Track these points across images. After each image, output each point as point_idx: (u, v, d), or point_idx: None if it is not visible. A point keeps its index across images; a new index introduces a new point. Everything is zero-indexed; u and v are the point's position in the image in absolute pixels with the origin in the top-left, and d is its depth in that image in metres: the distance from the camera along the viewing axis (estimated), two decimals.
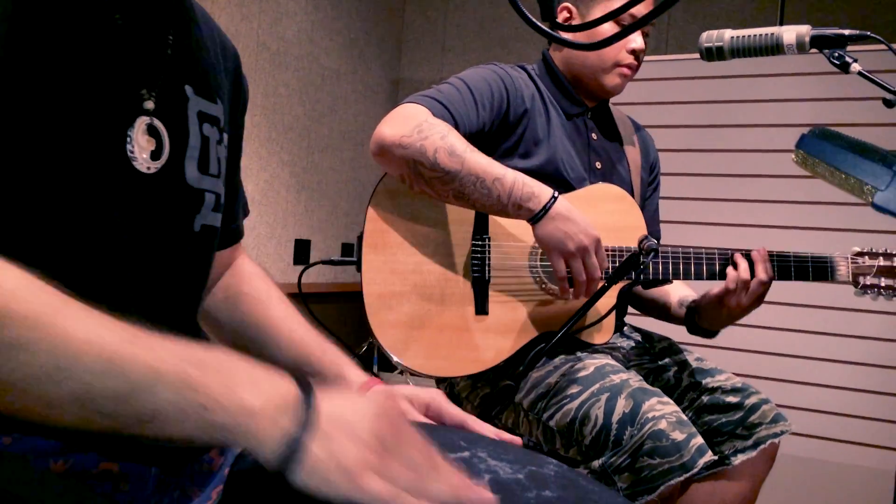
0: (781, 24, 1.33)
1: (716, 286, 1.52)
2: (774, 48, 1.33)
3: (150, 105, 0.72)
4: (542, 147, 1.57)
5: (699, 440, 1.29)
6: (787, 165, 2.55)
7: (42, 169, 0.64)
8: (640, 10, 1.57)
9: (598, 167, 1.65)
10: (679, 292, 1.69)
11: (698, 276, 1.53)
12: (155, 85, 0.73)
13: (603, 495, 0.71)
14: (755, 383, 1.62)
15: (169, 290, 0.76)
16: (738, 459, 1.53)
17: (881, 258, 1.51)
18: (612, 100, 1.74)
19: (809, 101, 2.54)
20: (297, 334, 0.98)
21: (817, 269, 1.52)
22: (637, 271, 1.40)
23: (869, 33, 1.24)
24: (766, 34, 1.31)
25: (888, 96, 1.19)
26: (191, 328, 0.82)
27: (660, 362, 1.65)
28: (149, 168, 0.71)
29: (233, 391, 0.57)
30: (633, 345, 1.70)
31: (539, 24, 0.73)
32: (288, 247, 3.65)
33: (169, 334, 0.58)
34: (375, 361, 3.81)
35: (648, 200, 1.78)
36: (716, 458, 1.34)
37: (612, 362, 1.46)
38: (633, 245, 1.48)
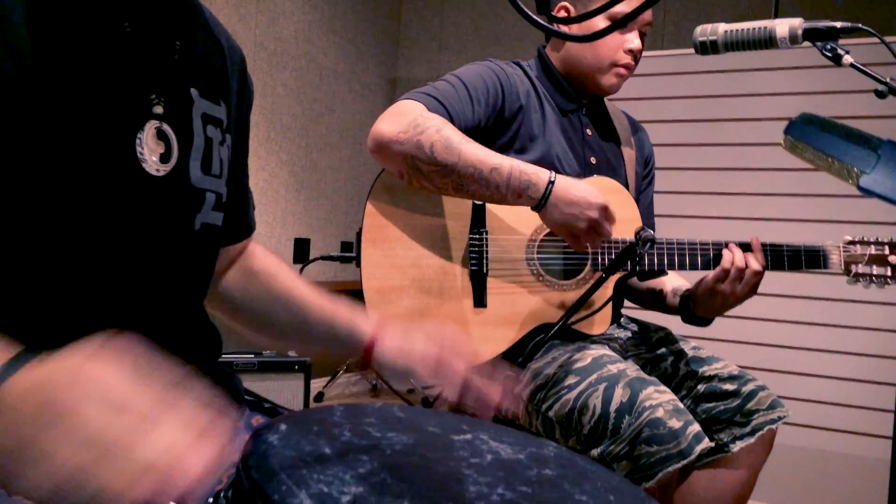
0: (776, 18, 1.35)
1: (710, 275, 1.54)
2: (767, 41, 1.35)
3: (159, 110, 0.74)
4: (537, 143, 1.60)
5: (696, 427, 1.32)
6: (780, 158, 2.60)
7: (54, 172, 0.66)
8: (634, 6, 1.59)
9: (593, 162, 1.67)
10: (673, 283, 1.71)
11: (693, 267, 1.56)
12: (163, 90, 0.75)
13: (601, 473, 0.73)
14: (751, 374, 1.65)
15: (172, 285, 0.78)
16: (737, 446, 1.55)
17: (872, 246, 1.54)
18: (609, 96, 1.76)
19: (803, 94, 2.57)
20: (310, 298, 1.01)
21: (810, 258, 1.54)
22: (634, 262, 1.42)
23: (860, 25, 1.26)
24: (760, 27, 1.33)
25: (880, 87, 1.21)
26: (194, 321, 0.84)
27: (657, 352, 1.67)
28: (158, 170, 0.74)
29: None
30: (630, 335, 1.72)
31: (536, 17, 0.75)
32: (287, 245, 3.67)
33: None
34: None
35: (643, 194, 1.80)
36: (713, 444, 1.36)
37: (610, 353, 1.48)
38: (630, 237, 1.51)
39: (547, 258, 1.57)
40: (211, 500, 0.62)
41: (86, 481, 0.49)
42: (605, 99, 1.77)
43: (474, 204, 1.54)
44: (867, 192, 0.67)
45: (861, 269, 1.54)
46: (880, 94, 1.21)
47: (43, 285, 0.68)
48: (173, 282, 0.78)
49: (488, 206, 1.55)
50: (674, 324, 1.76)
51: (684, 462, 1.29)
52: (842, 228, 1.61)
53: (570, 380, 1.42)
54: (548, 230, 1.53)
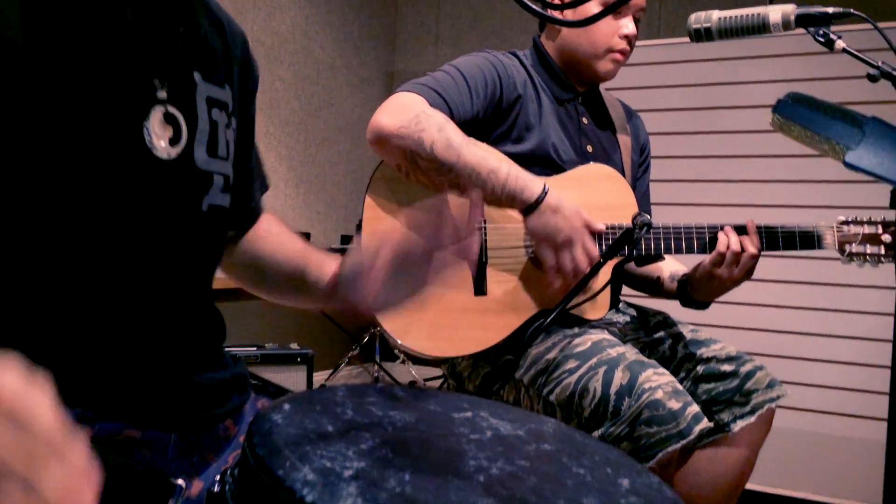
0: (770, 4, 1.36)
1: (707, 259, 1.56)
2: (761, 27, 1.36)
3: (163, 94, 0.76)
4: (533, 132, 1.61)
5: (695, 408, 1.33)
6: (775, 145, 2.61)
7: (63, 160, 0.67)
8: None
9: (590, 150, 1.68)
10: (670, 267, 1.73)
11: (689, 251, 1.57)
12: (166, 75, 0.76)
13: (598, 447, 0.75)
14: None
15: (180, 266, 0.79)
16: (738, 426, 1.57)
17: (865, 225, 1.55)
18: (606, 85, 1.77)
19: (798, 81, 2.57)
20: (293, 249, 1.02)
21: (804, 239, 1.55)
22: (631, 246, 1.44)
23: (852, 10, 1.27)
24: (753, 14, 1.35)
25: (872, 71, 1.23)
26: (201, 305, 0.85)
27: (655, 335, 1.69)
28: (169, 154, 0.75)
29: None
30: (629, 320, 1.74)
31: (530, 4, 0.76)
32: None
33: None
34: (377, 351, 3.85)
35: (639, 181, 1.81)
36: (711, 425, 1.37)
37: (609, 337, 1.50)
38: (626, 222, 1.52)
39: None
40: (218, 478, 0.64)
41: None
42: (601, 88, 1.78)
43: None
44: (852, 168, 0.68)
45: (855, 248, 1.55)
46: (872, 78, 1.23)
47: (54, 271, 0.70)
48: (181, 264, 0.80)
49: None
50: (671, 308, 1.77)
51: (684, 442, 1.31)
52: (836, 213, 1.62)
53: (571, 364, 1.43)
54: None
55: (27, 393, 0.45)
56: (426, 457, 0.65)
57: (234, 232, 1.01)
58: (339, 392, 0.77)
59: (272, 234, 1.05)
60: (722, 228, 1.54)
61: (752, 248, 1.51)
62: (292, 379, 2.80)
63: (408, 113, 1.44)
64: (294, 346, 2.97)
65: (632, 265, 1.80)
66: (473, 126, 1.54)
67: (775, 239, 1.55)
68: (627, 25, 1.63)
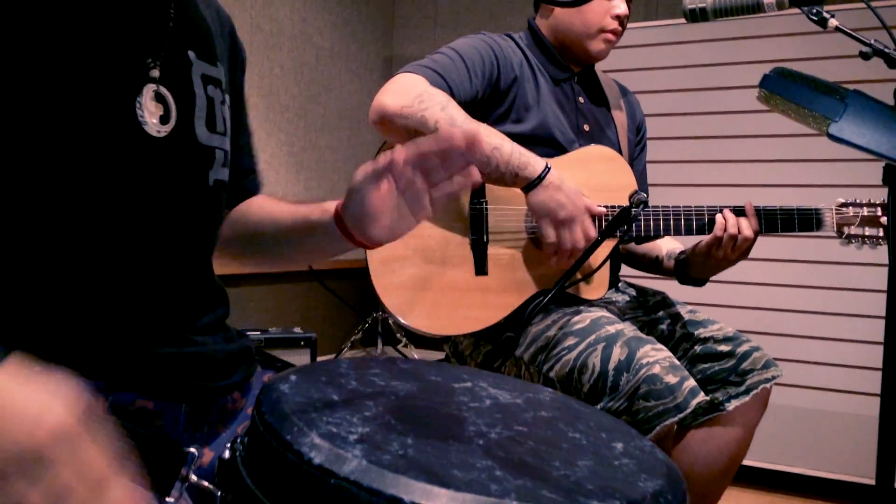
0: None
1: (704, 240, 1.58)
2: (755, 7, 1.38)
3: (155, 73, 0.78)
4: (532, 112, 1.63)
5: (692, 382, 1.36)
6: (772, 125, 2.62)
7: (58, 139, 0.70)
8: None
9: (587, 129, 1.70)
10: (668, 246, 1.75)
11: (688, 231, 1.59)
12: (159, 54, 0.79)
13: (594, 414, 0.77)
14: (745, 336, 1.69)
15: (187, 239, 0.82)
16: (732, 405, 1.60)
17: (865, 208, 1.57)
18: (603, 67, 1.79)
19: (793, 60, 2.58)
20: (290, 207, 1.01)
21: (803, 221, 1.57)
22: (629, 225, 1.46)
23: None
24: None
25: (864, 49, 1.24)
26: (205, 274, 0.88)
27: (654, 315, 1.71)
28: (159, 132, 0.77)
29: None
30: (628, 299, 1.76)
31: None
32: None
33: None
34: (380, 335, 3.88)
35: (636, 161, 1.83)
36: (708, 398, 1.40)
37: (608, 315, 1.52)
38: (626, 203, 1.54)
39: None
40: (228, 445, 0.67)
41: None
42: (597, 68, 1.80)
43: None
44: (835, 139, 0.71)
45: (853, 230, 1.57)
46: (865, 56, 1.24)
47: (61, 247, 0.72)
48: (188, 238, 0.82)
49: None
50: (670, 289, 1.80)
51: (681, 416, 1.33)
52: (833, 192, 1.64)
53: (570, 341, 1.46)
54: None
55: (80, 423, 0.52)
56: (428, 423, 0.68)
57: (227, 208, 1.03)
58: (343, 364, 0.79)
59: (267, 202, 1.05)
60: (720, 211, 1.56)
61: (748, 231, 1.54)
62: (296, 362, 2.82)
63: (410, 92, 1.46)
64: (297, 330, 3.00)
65: (631, 244, 1.83)
66: (473, 107, 1.56)
67: (774, 221, 1.57)
68: (619, 6, 1.65)
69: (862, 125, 0.69)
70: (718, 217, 1.55)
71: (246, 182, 1.06)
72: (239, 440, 0.67)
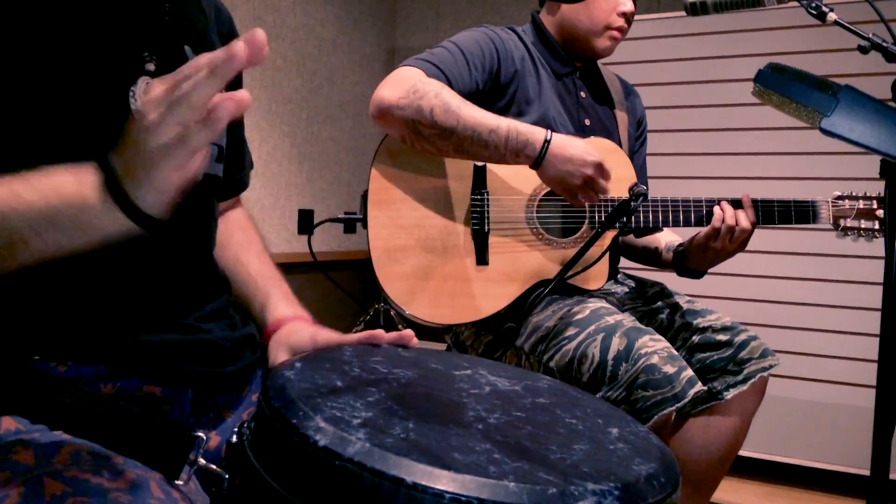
0: None
1: (702, 231, 1.59)
2: (755, 0, 1.39)
3: (151, 67, 0.79)
4: (533, 106, 1.64)
5: (689, 372, 1.38)
6: (772, 118, 2.63)
7: (54, 131, 0.71)
8: None
9: (588, 124, 1.72)
10: (666, 238, 1.77)
11: (686, 223, 1.61)
12: (155, 48, 0.80)
13: (591, 401, 0.79)
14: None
15: (183, 230, 0.83)
16: (731, 394, 1.62)
17: (861, 201, 1.59)
18: (605, 59, 1.80)
19: (794, 53, 2.59)
20: (251, 269, 1.03)
21: (799, 213, 1.59)
22: (628, 217, 1.48)
23: None
24: None
25: (863, 43, 1.26)
26: (205, 263, 0.90)
27: (652, 305, 1.73)
28: None
29: (52, 198, 0.63)
30: (627, 290, 1.78)
31: None
32: (292, 217, 3.72)
33: None
34: (381, 325, 3.90)
35: (636, 155, 1.85)
36: (706, 388, 1.42)
37: (607, 305, 1.54)
38: (626, 195, 1.56)
39: (546, 217, 1.62)
40: (236, 429, 0.69)
41: None
42: (599, 63, 1.81)
43: (475, 165, 1.60)
44: (827, 133, 0.72)
45: (850, 222, 1.59)
46: (863, 50, 1.25)
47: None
48: (184, 229, 0.84)
49: (489, 167, 1.60)
50: (669, 280, 1.82)
51: (678, 405, 1.35)
52: (833, 185, 1.66)
53: (570, 331, 1.48)
54: (547, 190, 1.58)
55: None
56: (428, 408, 0.70)
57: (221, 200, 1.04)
58: (347, 352, 0.81)
59: (234, 243, 1.05)
60: (718, 203, 1.58)
61: (745, 223, 1.55)
62: None
63: (406, 84, 1.48)
64: None
65: (631, 237, 1.85)
66: (474, 99, 1.57)
67: (771, 213, 1.59)
68: (626, 3, 1.66)
69: (853, 120, 0.71)
70: (717, 209, 1.57)
71: (241, 176, 1.08)
72: (246, 425, 0.69)
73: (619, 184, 1.60)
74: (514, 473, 0.58)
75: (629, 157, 1.76)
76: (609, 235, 1.58)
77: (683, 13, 1.44)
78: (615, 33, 1.68)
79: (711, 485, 1.69)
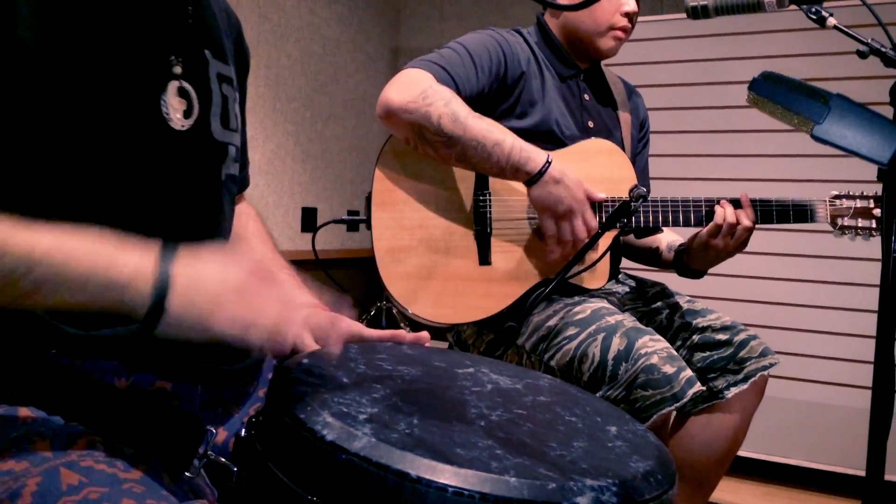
0: None
1: (703, 230, 1.61)
2: (755, 5, 1.41)
3: (178, 70, 0.82)
4: (537, 108, 1.66)
5: (688, 372, 1.40)
6: (772, 121, 2.63)
7: (88, 133, 0.73)
8: None
9: (591, 126, 1.74)
10: (667, 238, 1.79)
11: (686, 223, 1.63)
12: (181, 51, 0.82)
13: (590, 399, 0.81)
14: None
15: (201, 230, 0.86)
16: (731, 392, 1.64)
17: (858, 200, 1.60)
18: (608, 61, 1.82)
19: (795, 56, 2.61)
20: (264, 258, 1.06)
21: (797, 212, 1.61)
22: (628, 218, 1.50)
23: None
24: None
25: (862, 48, 1.27)
26: None
27: (653, 305, 1.75)
28: (182, 126, 0.81)
29: (104, 267, 0.66)
30: (628, 290, 1.80)
31: None
32: (295, 215, 3.74)
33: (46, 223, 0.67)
34: (384, 324, 3.92)
35: (638, 157, 1.87)
36: (704, 389, 1.44)
37: (608, 305, 1.56)
38: (625, 196, 1.58)
39: None
40: (245, 423, 0.71)
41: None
42: (603, 65, 1.83)
43: None
44: (819, 140, 0.75)
45: (847, 221, 1.60)
46: (862, 55, 1.27)
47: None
48: (203, 228, 0.86)
49: None
50: (669, 280, 1.83)
51: (677, 405, 1.37)
52: (833, 187, 1.67)
53: (571, 331, 1.50)
54: None
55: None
56: (432, 405, 0.72)
57: None
58: (352, 350, 0.83)
59: (246, 232, 1.08)
60: (718, 202, 1.60)
61: (746, 221, 1.57)
62: None
63: (415, 88, 1.50)
64: None
65: (631, 237, 1.87)
66: (479, 102, 1.59)
67: (769, 213, 1.60)
68: (629, 3, 1.68)
69: (843, 127, 0.74)
70: (718, 207, 1.59)
71: (245, 174, 1.10)
72: (254, 419, 0.71)
73: (619, 184, 1.62)
74: (515, 469, 0.59)
75: (631, 158, 1.78)
76: (609, 236, 1.60)
77: (685, 15, 1.46)
78: (619, 33, 1.69)
79: (712, 483, 1.71)
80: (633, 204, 1.47)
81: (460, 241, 1.61)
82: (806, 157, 2.58)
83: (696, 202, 1.62)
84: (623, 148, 1.76)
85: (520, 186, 1.62)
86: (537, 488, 0.58)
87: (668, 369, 1.38)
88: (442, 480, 0.57)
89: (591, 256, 1.60)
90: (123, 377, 0.75)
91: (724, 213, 1.57)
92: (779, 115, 0.81)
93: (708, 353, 1.66)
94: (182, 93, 0.82)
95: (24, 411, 0.71)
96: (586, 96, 1.76)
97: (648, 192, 1.81)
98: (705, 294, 1.87)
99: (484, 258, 1.61)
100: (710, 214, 1.59)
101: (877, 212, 1.57)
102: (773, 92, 0.80)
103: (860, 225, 1.57)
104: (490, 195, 1.62)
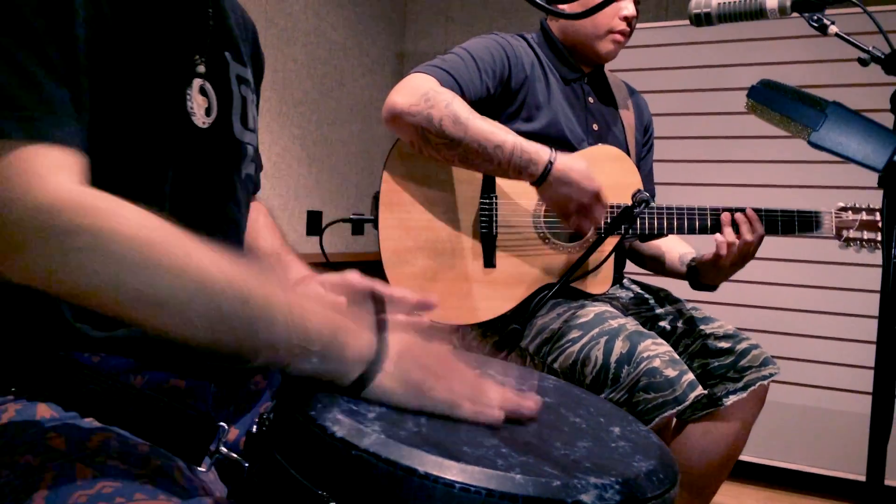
0: None
1: (711, 248, 1.62)
2: (758, 13, 1.42)
3: (202, 69, 0.84)
4: (543, 111, 1.68)
5: (690, 376, 1.41)
6: (774, 127, 2.65)
7: (119, 127, 0.75)
8: None
9: (596, 129, 1.75)
10: (678, 249, 1.80)
11: (691, 231, 1.64)
12: (203, 51, 0.84)
13: (594, 401, 0.83)
14: (745, 334, 1.73)
15: (221, 227, 0.88)
16: (730, 400, 1.64)
17: (864, 213, 1.61)
18: (613, 66, 1.84)
19: (798, 63, 2.62)
20: (267, 246, 1.08)
21: (803, 223, 1.62)
22: (631, 222, 1.51)
23: None
24: (751, 0, 1.40)
25: (863, 56, 1.29)
26: None
27: (656, 311, 1.76)
28: (204, 123, 0.84)
29: (336, 338, 0.69)
30: (632, 295, 1.81)
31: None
32: (301, 218, 3.76)
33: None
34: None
35: (643, 161, 1.88)
36: (706, 392, 1.45)
37: (611, 309, 1.57)
38: (630, 201, 1.59)
39: (553, 222, 1.66)
40: (256, 420, 0.72)
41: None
42: (607, 69, 1.85)
43: None
44: (816, 146, 0.77)
45: (852, 233, 1.61)
46: (863, 62, 1.29)
47: None
48: (221, 225, 0.88)
49: None
50: (673, 286, 1.85)
51: (679, 408, 1.38)
52: (836, 193, 1.69)
53: (574, 334, 1.51)
54: None
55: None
56: None
57: None
58: None
59: (256, 224, 1.10)
60: (722, 212, 1.60)
61: (748, 236, 1.58)
62: None
63: (418, 91, 1.52)
64: None
65: (637, 242, 1.88)
66: (484, 105, 1.61)
67: (775, 223, 1.62)
68: (627, 7, 1.70)
69: (840, 134, 0.76)
70: (718, 235, 1.60)
71: (257, 177, 1.12)
72: (265, 416, 0.72)
73: (626, 190, 1.63)
74: (520, 466, 0.61)
75: (636, 163, 1.80)
76: (613, 240, 1.61)
77: (689, 22, 1.47)
78: (618, 37, 1.71)
79: (711, 490, 1.72)
80: (636, 209, 1.49)
81: (466, 243, 1.63)
82: (808, 163, 2.59)
83: (700, 210, 1.63)
84: (627, 152, 1.78)
85: (527, 189, 1.64)
86: (542, 485, 0.59)
87: (671, 373, 1.40)
88: (449, 477, 0.58)
89: (595, 261, 1.62)
90: (138, 375, 0.77)
91: (726, 237, 1.58)
92: (777, 123, 0.83)
93: (709, 361, 1.67)
94: (203, 91, 0.84)
95: (41, 407, 0.73)
96: (591, 99, 1.78)
97: (653, 196, 1.83)
98: (707, 299, 1.88)
99: (489, 260, 1.63)
100: (715, 223, 1.60)
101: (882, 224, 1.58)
102: (771, 99, 0.82)
103: (866, 237, 1.59)
104: (496, 198, 1.64)
